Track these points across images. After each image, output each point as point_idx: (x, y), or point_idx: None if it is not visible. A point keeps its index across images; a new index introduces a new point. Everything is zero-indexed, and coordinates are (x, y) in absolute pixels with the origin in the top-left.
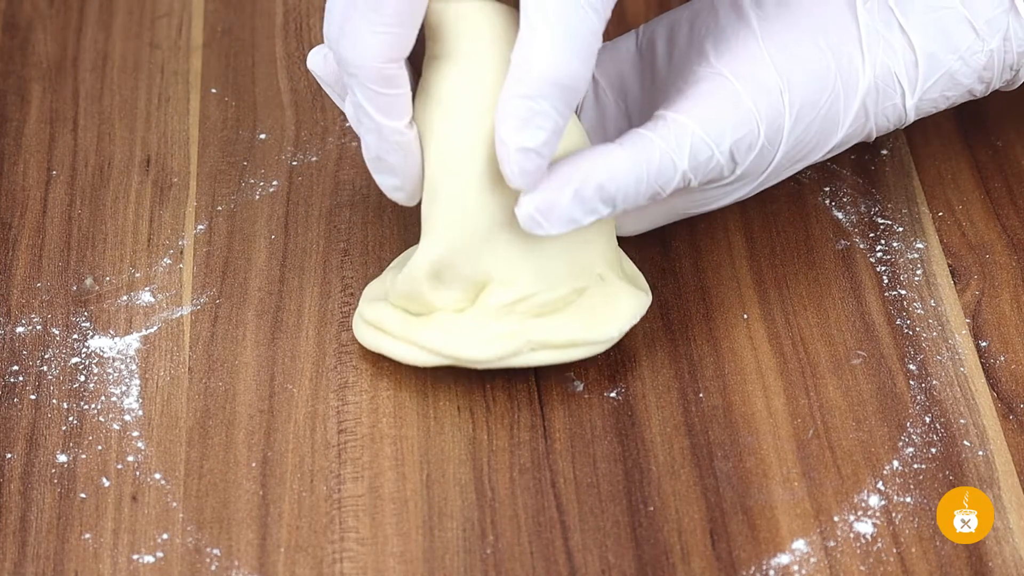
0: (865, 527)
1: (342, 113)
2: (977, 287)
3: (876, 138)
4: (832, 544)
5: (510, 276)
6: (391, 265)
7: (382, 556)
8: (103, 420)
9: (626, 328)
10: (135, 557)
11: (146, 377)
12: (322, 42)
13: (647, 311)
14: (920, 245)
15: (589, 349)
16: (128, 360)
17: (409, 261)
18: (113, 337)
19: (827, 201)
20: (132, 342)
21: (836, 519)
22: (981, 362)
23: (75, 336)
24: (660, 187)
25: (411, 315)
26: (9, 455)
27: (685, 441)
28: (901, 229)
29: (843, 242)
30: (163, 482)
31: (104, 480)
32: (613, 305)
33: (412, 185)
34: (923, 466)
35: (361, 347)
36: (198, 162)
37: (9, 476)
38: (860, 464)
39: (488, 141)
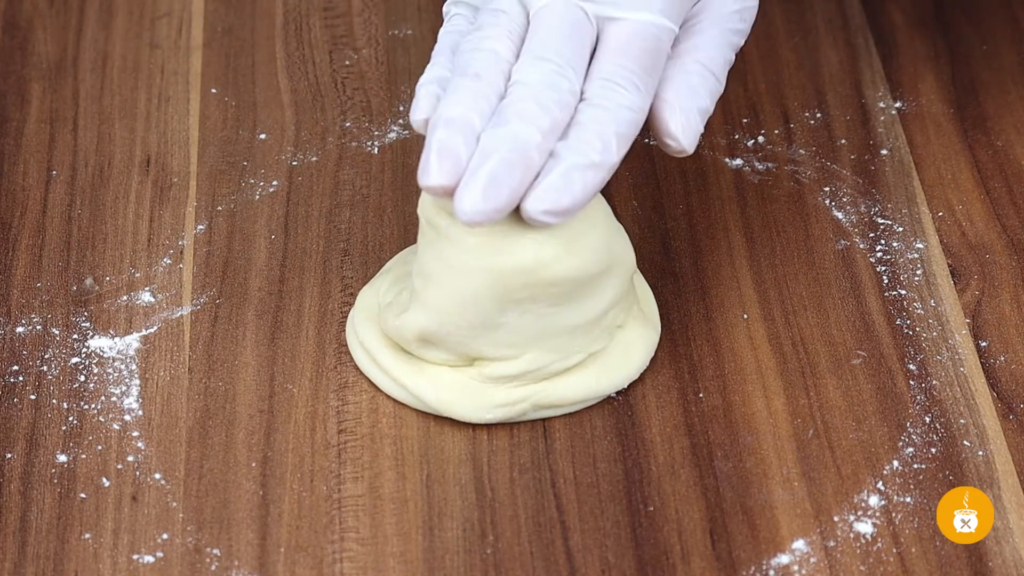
0: (865, 527)
1: (342, 113)
2: (977, 287)
3: (876, 139)
4: (832, 544)
5: (512, 353)
6: (386, 267)
7: (382, 556)
8: (103, 420)
9: (636, 375)
10: (135, 557)
11: (146, 377)
12: (322, 43)
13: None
14: (920, 245)
15: (597, 400)
16: (128, 360)
17: (402, 318)
18: (113, 337)
19: (827, 201)
20: (132, 342)
21: (836, 519)
22: (981, 362)
23: (75, 336)
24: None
25: (404, 354)
26: (9, 455)
27: (685, 441)
28: (901, 229)
29: (843, 242)
30: (163, 482)
31: (104, 480)
32: (626, 354)
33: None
34: (923, 466)
35: None
36: (198, 162)
37: (9, 476)
38: (860, 464)
39: (491, 244)
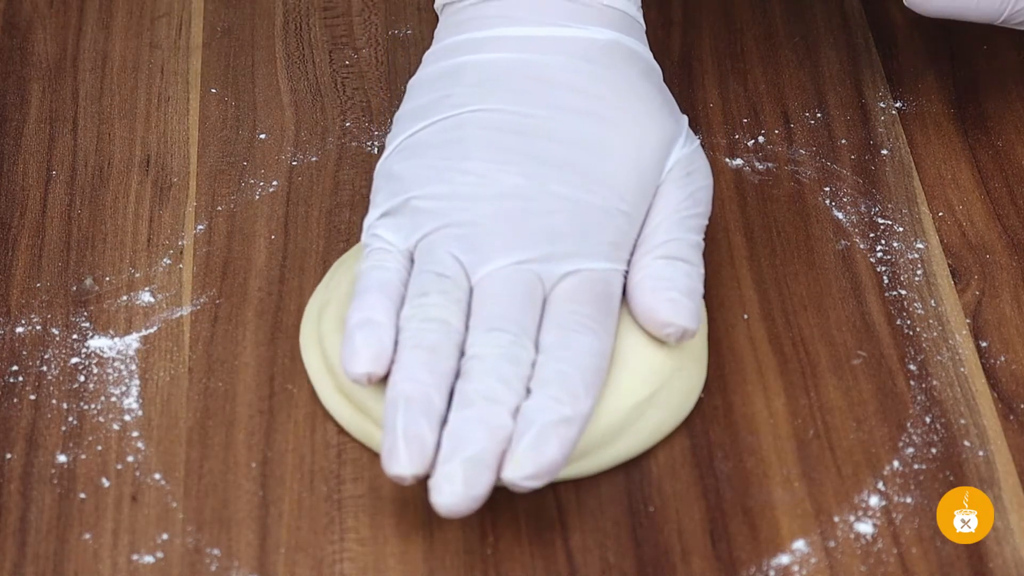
0: (865, 527)
1: (342, 113)
2: (977, 287)
3: (876, 139)
4: (832, 544)
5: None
6: (339, 263)
7: (382, 556)
8: (103, 420)
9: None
10: (135, 557)
11: (146, 377)
12: (322, 43)
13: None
14: (920, 245)
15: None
16: (128, 360)
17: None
18: (113, 337)
19: (827, 201)
20: (132, 342)
21: (836, 519)
22: (981, 362)
23: (75, 336)
24: None
25: (359, 410)
26: (9, 455)
27: (685, 441)
28: (901, 229)
29: (843, 242)
30: (163, 482)
31: (104, 480)
32: (679, 407)
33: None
34: (923, 466)
35: None
36: (198, 162)
37: (9, 476)
38: (860, 464)
39: None
